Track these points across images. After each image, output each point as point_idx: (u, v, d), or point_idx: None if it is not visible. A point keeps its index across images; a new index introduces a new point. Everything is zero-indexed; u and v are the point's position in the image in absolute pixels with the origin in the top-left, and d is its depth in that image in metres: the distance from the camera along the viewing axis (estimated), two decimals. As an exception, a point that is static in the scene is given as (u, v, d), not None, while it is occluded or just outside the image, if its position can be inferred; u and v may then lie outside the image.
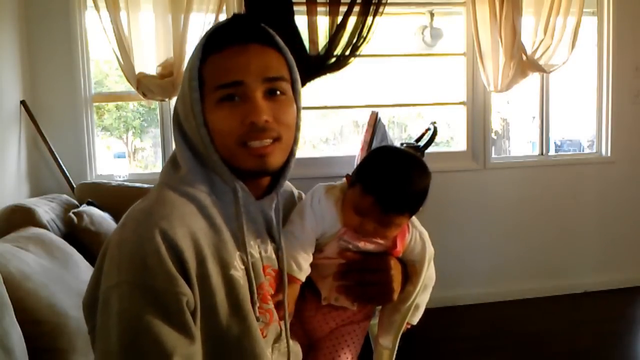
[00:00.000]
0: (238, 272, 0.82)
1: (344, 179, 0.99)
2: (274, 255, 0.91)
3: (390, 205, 0.90)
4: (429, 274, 1.00)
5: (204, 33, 0.86)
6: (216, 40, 0.84)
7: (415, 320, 1.04)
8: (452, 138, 3.74)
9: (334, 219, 0.95)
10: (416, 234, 0.99)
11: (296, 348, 0.95)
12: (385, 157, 0.96)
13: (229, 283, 0.81)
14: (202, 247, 0.79)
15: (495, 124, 3.66)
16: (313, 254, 0.95)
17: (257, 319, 0.83)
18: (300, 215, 0.95)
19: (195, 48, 0.85)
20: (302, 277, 0.92)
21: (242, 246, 0.85)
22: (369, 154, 0.99)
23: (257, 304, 0.84)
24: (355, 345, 1.02)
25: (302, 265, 0.92)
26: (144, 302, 0.73)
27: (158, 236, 0.75)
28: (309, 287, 0.97)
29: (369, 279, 0.94)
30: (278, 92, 0.84)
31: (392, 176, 0.90)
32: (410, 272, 1.00)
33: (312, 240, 0.95)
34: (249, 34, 0.84)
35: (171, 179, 0.86)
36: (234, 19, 0.87)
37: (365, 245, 0.95)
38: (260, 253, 0.89)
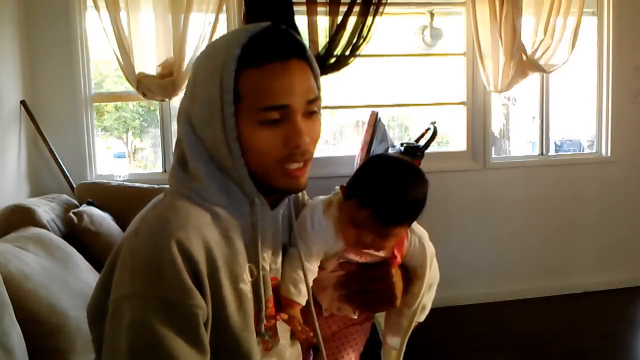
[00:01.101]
0: (247, 286, 0.82)
1: (338, 190, 0.97)
2: (279, 266, 0.91)
3: (388, 218, 0.88)
4: (432, 274, 1.00)
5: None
6: (253, 52, 0.79)
7: (422, 318, 1.03)
8: (452, 138, 3.74)
9: (335, 239, 0.94)
10: (415, 240, 0.98)
11: (296, 350, 0.95)
12: (380, 168, 0.93)
13: (239, 296, 0.80)
14: (216, 258, 0.77)
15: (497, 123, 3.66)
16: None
17: (264, 336, 0.83)
18: (304, 240, 0.93)
19: (227, 57, 0.78)
20: (302, 300, 0.91)
21: (254, 259, 0.84)
22: (363, 165, 0.96)
23: (264, 322, 0.84)
24: (358, 345, 1.02)
25: (302, 290, 0.90)
26: (158, 314, 0.71)
27: (174, 246, 0.73)
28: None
29: (371, 287, 0.94)
30: (313, 111, 0.84)
31: (388, 189, 0.88)
32: (412, 275, 0.99)
33: (316, 264, 0.94)
34: (289, 48, 0.81)
35: (185, 187, 0.83)
36: (271, 30, 0.82)
37: (365, 260, 0.95)
38: (270, 265, 0.88)
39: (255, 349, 0.81)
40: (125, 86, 2.85)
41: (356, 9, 2.75)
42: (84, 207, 2.25)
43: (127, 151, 4.04)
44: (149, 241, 0.75)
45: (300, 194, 1.06)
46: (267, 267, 0.87)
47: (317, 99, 0.83)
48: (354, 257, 0.94)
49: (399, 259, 0.96)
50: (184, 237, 0.74)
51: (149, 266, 0.73)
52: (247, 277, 0.82)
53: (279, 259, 0.90)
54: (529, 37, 3.07)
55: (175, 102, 2.82)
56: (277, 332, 0.88)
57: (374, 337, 1.08)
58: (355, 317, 1.00)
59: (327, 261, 0.95)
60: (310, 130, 0.82)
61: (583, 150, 3.88)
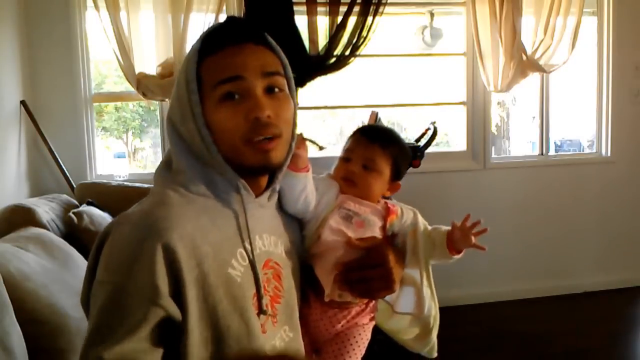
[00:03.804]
0: (235, 271, 0.83)
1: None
2: (275, 249, 0.92)
3: (371, 132, 1.05)
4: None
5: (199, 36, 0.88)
6: (211, 43, 0.85)
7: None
8: (452, 138, 3.74)
9: (327, 184, 1.02)
10: (401, 206, 1.06)
11: (297, 339, 0.94)
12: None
13: (227, 282, 0.81)
14: (201, 247, 0.79)
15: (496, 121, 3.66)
16: (317, 231, 0.98)
17: (265, 312, 0.84)
18: None
19: (190, 51, 0.86)
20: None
21: (245, 243, 0.86)
22: None
23: (264, 297, 0.85)
24: (361, 347, 1.02)
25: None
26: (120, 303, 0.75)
27: (153, 240, 0.75)
28: (313, 289, 0.98)
29: (370, 275, 0.96)
30: (276, 89, 0.86)
31: (378, 125, 1.16)
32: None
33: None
34: (244, 34, 0.86)
35: (170, 181, 0.86)
36: (227, 22, 0.89)
37: (364, 211, 1.00)
38: (261, 248, 0.89)
39: (249, 333, 0.82)
40: (125, 86, 2.85)
41: (356, 9, 2.75)
42: (84, 207, 2.25)
43: (127, 151, 4.04)
44: (130, 233, 0.77)
45: None
46: (257, 250, 0.88)
47: (277, 74, 0.86)
48: (352, 206, 1.00)
49: (393, 208, 1.03)
50: (165, 229, 0.77)
51: (125, 258, 0.75)
52: (236, 262, 0.84)
53: (271, 241, 0.92)
54: (529, 37, 3.07)
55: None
56: (276, 317, 0.89)
57: (374, 337, 1.08)
58: (357, 302, 1.00)
59: (328, 217, 0.98)
60: (276, 107, 0.84)
61: (583, 150, 3.87)
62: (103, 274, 0.77)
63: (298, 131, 0.92)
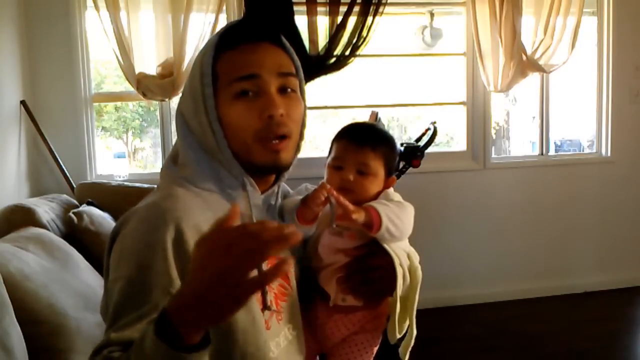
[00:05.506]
0: None
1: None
2: None
3: (358, 135, 0.99)
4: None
5: (208, 33, 0.88)
6: (229, 39, 0.86)
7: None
8: (452, 138, 3.74)
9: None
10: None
11: (298, 340, 0.94)
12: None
13: None
14: None
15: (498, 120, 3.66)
16: (315, 247, 0.97)
17: (269, 308, 0.84)
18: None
19: (207, 46, 0.87)
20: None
21: None
22: None
23: (268, 293, 0.85)
24: (369, 353, 1.01)
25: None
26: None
27: (163, 230, 0.76)
28: (319, 294, 0.98)
29: (372, 277, 0.95)
30: (289, 90, 0.87)
31: (357, 123, 1.07)
32: None
33: None
34: (261, 33, 0.88)
35: (175, 176, 0.87)
36: (246, 19, 0.92)
37: (352, 226, 0.95)
38: None
39: (254, 328, 0.82)
40: (125, 86, 2.85)
41: (356, 9, 2.75)
42: (84, 207, 2.25)
43: (127, 151, 4.04)
44: (139, 227, 0.78)
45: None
46: None
47: (291, 75, 0.88)
48: (341, 222, 0.94)
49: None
50: (174, 220, 0.77)
51: (137, 252, 0.76)
52: None
53: None
54: (529, 37, 3.07)
55: (175, 102, 2.82)
56: (281, 315, 0.89)
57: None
58: (361, 304, 0.99)
59: (321, 234, 0.98)
60: (288, 107, 0.86)
61: (583, 150, 3.88)
62: (116, 271, 0.77)
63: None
